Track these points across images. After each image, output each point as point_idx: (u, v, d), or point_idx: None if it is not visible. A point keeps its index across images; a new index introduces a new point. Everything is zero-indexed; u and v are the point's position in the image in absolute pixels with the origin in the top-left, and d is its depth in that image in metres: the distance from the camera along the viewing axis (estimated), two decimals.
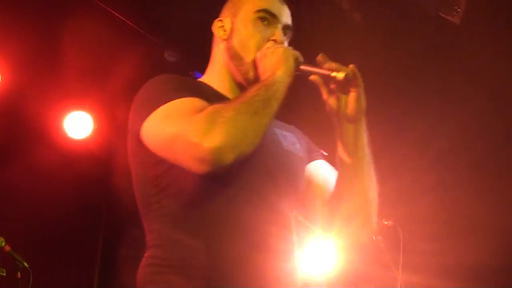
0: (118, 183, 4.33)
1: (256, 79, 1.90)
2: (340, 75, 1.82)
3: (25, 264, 3.76)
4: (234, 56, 1.98)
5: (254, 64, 1.93)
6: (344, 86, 1.85)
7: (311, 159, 2.08)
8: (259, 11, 1.99)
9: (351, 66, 1.83)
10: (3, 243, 3.71)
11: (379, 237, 3.40)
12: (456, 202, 5.12)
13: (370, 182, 1.95)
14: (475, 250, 4.97)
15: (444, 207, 5.17)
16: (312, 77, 1.87)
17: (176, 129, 1.70)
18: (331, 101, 1.89)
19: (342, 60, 1.86)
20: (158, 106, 1.76)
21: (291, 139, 2.04)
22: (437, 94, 4.73)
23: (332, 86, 1.86)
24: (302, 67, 1.89)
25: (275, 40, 1.96)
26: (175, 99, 1.77)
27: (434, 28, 4.17)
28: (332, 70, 1.84)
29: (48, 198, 4.56)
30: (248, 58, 1.95)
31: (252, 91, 1.76)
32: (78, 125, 4.60)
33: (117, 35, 4.24)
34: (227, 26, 2.02)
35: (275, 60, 1.86)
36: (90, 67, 4.33)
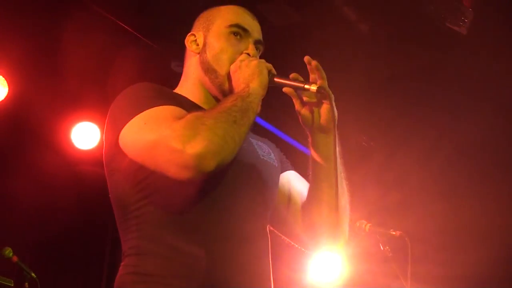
0: None
1: (231, 91, 1.93)
2: (313, 88, 1.86)
3: (33, 274, 3.77)
4: (208, 70, 2.02)
5: (229, 76, 1.97)
6: (316, 98, 1.90)
7: (283, 170, 2.14)
8: (231, 25, 2.03)
9: (320, 80, 1.87)
10: (11, 254, 3.73)
11: (387, 247, 3.39)
12: (464, 212, 5.10)
13: (341, 190, 2.00)
14: (483, 260, 4.96)
15: (452, 217, 5.16)
16: (285, 89, 1.92)
17: (156, 136, 1.72)
18: (304, 112, 1.95)
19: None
20: (137, 114, 1.78)
21: (266, 149, 2.09)
22: (443, 104, 4.73)
23: (305, 98, 1.92)
24: (276, 79, 1.92)
25: (248, 54, 2.00)
26: (153, 106, 1.79)
27: (441, 39, 4.18)
28: (305, 83, 1.88)
29: (55, 209, 4.57)
30: (222, 71, 1.99)
31: (229, 101, 1.80)
32: (85, 135, 4.62)
33: (125, 47, 4.26)
34: (200, 40, 2.06)
35: (249, 72, 1.90)
36: (97, 78, 4.35)
